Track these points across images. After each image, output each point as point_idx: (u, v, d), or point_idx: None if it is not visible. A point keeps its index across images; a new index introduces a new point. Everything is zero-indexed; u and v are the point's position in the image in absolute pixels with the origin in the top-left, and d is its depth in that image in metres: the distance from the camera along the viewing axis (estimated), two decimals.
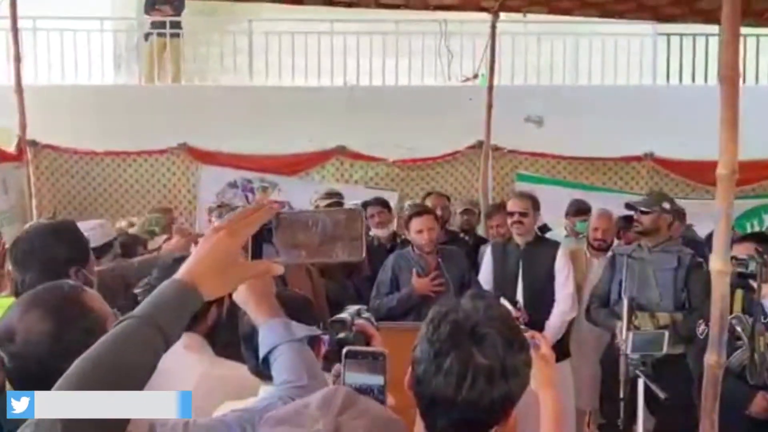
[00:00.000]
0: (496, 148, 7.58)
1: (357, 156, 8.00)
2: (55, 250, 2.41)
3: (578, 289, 4.81)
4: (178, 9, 9.19)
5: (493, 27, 6.77)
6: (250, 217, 1.20)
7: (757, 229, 7.19)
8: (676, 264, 4.30)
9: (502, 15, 6.83)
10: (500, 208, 5.65)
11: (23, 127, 6.67)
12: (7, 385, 1.57)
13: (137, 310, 1.11)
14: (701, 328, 3.58)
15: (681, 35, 8.93)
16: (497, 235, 5.62)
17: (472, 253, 5.41)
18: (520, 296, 4.57)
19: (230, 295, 1.71)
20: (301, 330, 1.55)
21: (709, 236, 3.67)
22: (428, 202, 5.95)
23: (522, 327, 2.41)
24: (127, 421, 1.09)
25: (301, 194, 7.55)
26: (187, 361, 2.21)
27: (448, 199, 6.50)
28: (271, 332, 1.52)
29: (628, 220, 5.21)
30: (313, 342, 1.76)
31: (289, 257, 1.21)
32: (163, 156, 7.92)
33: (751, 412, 3.52)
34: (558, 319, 4.57)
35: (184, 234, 3.77)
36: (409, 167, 8.05)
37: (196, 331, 2.26)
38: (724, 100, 3.13)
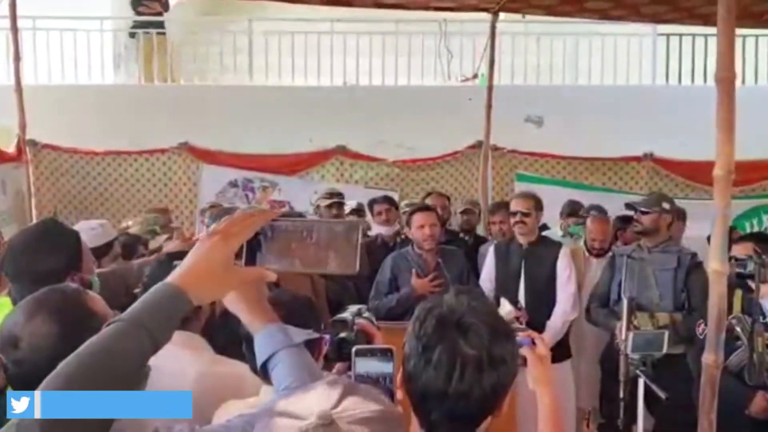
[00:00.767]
0: (496, 148, 7.59)
1: (357, 156, 8.01)
2: (44, 264, 2.31)
3: (577, 289, 4.81)
4: (166, 5, 9.19)
5: (493, 27, 6.77)
6: (245, 222, 1.20)
7: (756, 229, 7.20)
8: (675, 264, 4.31)
9: (502, 15, 6.83)
10: (503, 205, 5.66)
11: (23, 126, 6.67)
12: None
13: (126, 313, 1.11)
14: (701, 328, 3.58)
15: (680, 35, 8.93)
16: (499, 232, 5.62)
17: (471, 252, 5.42)
18: (521, 296, 4.57)
19: None
20: (299, 334, 1.55)
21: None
22: (428, 202, 5.96)
23: (521, 326, 2.41)
24: (111, 422, 1.10)
25: (301, 194, 7.58)
26: (185, 359, 2.21)
27: (448, 199, 6.51)
28: (268, 339, 1.49)
29: (626, 220, 5.23)
30: (313, 343, 1.76)
31: (281, 265, 1.20)
32: (164, 155, 7.93)
33: (751, 412, 3.53)
34: (559, 319, 4.56)
35: (185, 239, 3.76)
36: (408, 167, 8.06)
37: (191, 329, 2.25)
38: (720, 101, 3.14)
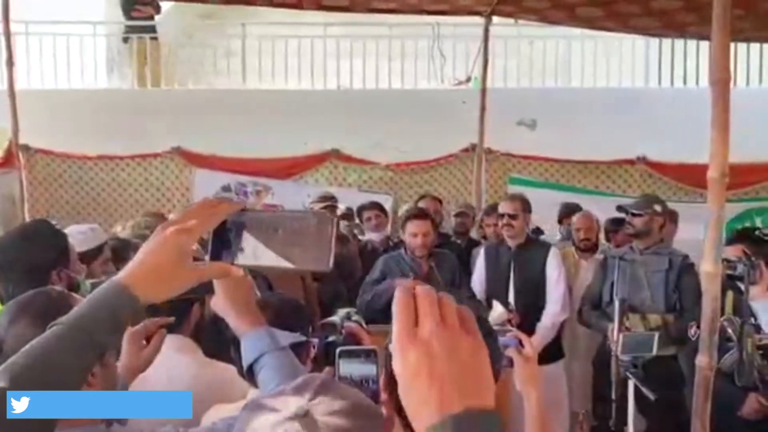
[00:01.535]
0: (490, 151, 7.61)
1: (351, 159, 8.03)
2: (32, 256, 2.37)
3: (568, 290, 4.82)
4: (158, 8, 9.20)
5: (486, 31, 6.79)
6: (204, 213, 1.08)
7: None
8: (667, 266, 4.32)
9: (495, 18, 6.84)
10: (497, 208, 5.67)
11: (15, 131, 6.66)
12: None
13: (67, 315, 1.05)
14: (693, 329, 3.59)
15: (673, 38, 8.96)
16: (493, 234, 5.63)
17: (464, 255, 5.42)
18: (511, 298, 4.58)
19: None
20: (285, 338, 1.54)
21: None
22: (421, 205, 5.96)
23: (508, 328, 2.42)
24: (54, 422, 1.06)
25: (295, 198, 7.57)
26: (179, 363, 2.21)
27: (441, 202, 6.51)
28: (255, 342, 1.48)
29: (617, 223, 5.25)
30: (301, 347, 1.75)
31: (248, 260, 1.10)
32: (157, 160, 7.93)
33: (743, 414, 3.53)
34: (549, 320, 4.57)
35: None
36: (402, 170, 8.07)
37: (181, 332, 2.25)
38: (715, 104, 3.15)
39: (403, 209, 6.22)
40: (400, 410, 1.40)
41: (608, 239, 5.62)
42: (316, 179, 8.01)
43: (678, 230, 5.59)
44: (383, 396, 1.41)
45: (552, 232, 6.18)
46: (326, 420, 0.98)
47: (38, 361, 1.01)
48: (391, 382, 1.39)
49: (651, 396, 3.19)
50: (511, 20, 7.65)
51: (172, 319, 1.94)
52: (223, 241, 1.09)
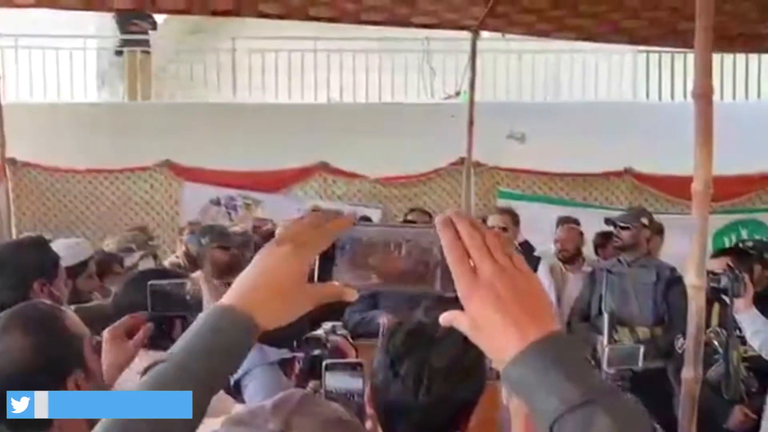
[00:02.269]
0: (478, 165, 7.63)
1: (340, 172, 8.04)
2: (20, 261, 2.41)
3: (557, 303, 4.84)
4: (154, 25, 9.23)
5: (473, 44, 6.83)
6: (320, 229, 0.96)
7: None
8: (655, 278, 4.34)
9: (484, 33, 6.89)
10: (486, 221, 5.69)
11: (2, 144, 6.62)
12: None
13: (174, 349, 0.92)
14: (680, 342, 3.61)
15: (659, 52, 9.04)
16: None
17: None
18: None
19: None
20: (274, 354, 1.54)
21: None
22: (411, 219, 5.98)
23: None
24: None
25: (284, 211, 7.56)
26: None
27: (430, 216, 6.52)
28: None
29: (606, 236, 5.27)
30: (286, 361, 1.76)
31: (357, 280, 0.98)
32: (146, 173, 7.91)
33: (730, 426, 3.55)
34: None
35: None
36: (391, 184, 8.08)
37: (166, 348, 2.23)
38: (698, 117, 3.18)
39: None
40: (384, 423, 1.41)
41: (597, 252, 5.64)
42: (306, 192, 8.02)
43: (666, 242, 5.62)
44: (369, 410, 1.42)
45: (544, 245, 6.17)
46: None
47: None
48: (376, 396, 1.40)
49: None
50: (500, 34, 7.71)
51: (147, 317, 1.90)
52: (329, 259, 0.98)
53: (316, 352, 1.69)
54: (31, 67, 8.56)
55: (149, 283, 1.72)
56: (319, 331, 1.75)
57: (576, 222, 5.66)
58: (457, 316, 0.85)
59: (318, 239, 0.95)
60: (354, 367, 1.42)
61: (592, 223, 5.80)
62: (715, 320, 3.57)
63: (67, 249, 3.01)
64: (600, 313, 4.14)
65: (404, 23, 6.34)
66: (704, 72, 3.22)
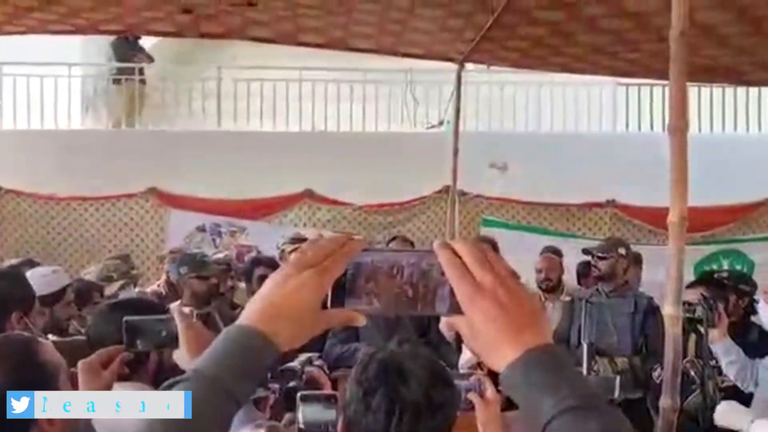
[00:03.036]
0: (462, 193, 7.69)
1: (324, 200, 8.08)
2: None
3: None
4: (151, 59, 9.38)
5: (459, 76, 6.92)
6: (339, 252, 0.94)
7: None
8: (633, 309, 4.37)
9: (468, 65, 6.99)
10: None
11: None
12: None
13: (198, 367, 0.91)
14: (657, 371, 3.64)
15: (639, 85, 9.21)
16: None
17: None
18: None
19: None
20: None
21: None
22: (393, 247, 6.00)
23: (477, 372, 2.44)
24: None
25: (269, 238, 7.56)
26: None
27: (412, 244, 6.54)
28: None
29: (589, 266, 5.32)
30: (259, 397, 1.76)
31: (364, 306, 0.97)
32: (131, 200, 7.91)
33: None
34: None
35: None
36: (375, 212, 8.12)
37: (141, 380, 2.23)
38: (673, 151, 3.25)
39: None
40: None
41: (579, 282, 5.68)
42: (290, 219, 8.04)
43: (647, 272, 5.68)
44: None
45: (524, 274, 6.20)
46: None
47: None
48: (348, 428, 1.42)
49: None
50: (483, 66, 7.83)
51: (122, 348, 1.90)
52: (342, 285, 0.96)
53: (291, 383, 1.70)
54: (15, 95, 8.57)
55: (125, 319, 1.73)
56: (294, 363, 1.77)
57: (558, 252, 5.72)
58: (457, 320, 0.89)
59: (335, 265, 0.94)
60: (328, 399, 1.44)
61: (574, 254, 5.86)
62: (691, 350, 3.60)
63: (42, 278, 3.01)
64: (579, 343, 4.16)
65: (391, 52, 6.44)
66: (679, 106, 3.29)
